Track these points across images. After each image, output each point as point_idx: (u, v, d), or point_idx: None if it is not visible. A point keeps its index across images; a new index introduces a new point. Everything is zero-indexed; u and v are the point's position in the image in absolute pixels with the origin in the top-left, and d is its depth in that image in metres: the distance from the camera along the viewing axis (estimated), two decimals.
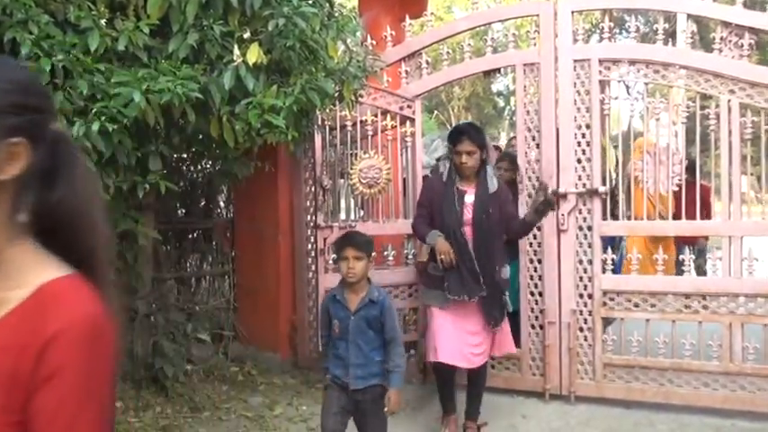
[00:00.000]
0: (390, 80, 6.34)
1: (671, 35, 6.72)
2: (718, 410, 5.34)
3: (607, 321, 5.93)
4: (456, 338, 5.04)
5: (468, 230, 5.02)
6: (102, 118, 3.47)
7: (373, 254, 4.23)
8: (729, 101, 5.34)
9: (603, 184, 5.65)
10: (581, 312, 5.68)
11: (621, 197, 6.04)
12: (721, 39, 5.42)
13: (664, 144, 5.84)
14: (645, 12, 14.17)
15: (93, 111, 3.50)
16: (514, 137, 7.34)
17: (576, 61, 5.68)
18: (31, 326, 1.16)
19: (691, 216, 5.57)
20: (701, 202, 5.64)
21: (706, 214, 5.53)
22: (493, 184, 5.04)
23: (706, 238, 7.01)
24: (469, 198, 5.05)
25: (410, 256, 6.22)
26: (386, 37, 6.35)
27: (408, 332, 6.16)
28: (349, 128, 6.18)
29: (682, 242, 5.76)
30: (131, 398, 5.43)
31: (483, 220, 4.98)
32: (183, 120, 4.04)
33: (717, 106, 5.41)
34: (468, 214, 5.02)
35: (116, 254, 5.11)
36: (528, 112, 5.87)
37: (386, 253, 6.18)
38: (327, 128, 6.24)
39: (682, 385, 5.47)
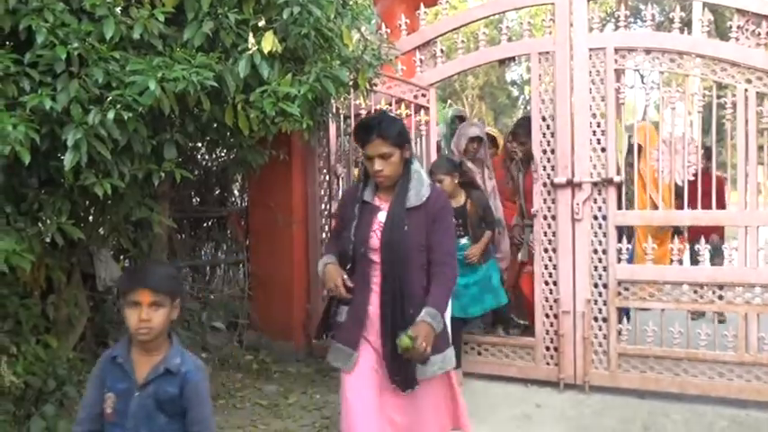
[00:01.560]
0: (405, 69, 6.33)
1: (687, 24, 6.68)
2: (733, 400, 5.32)
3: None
4: (375, 419, 3.57)
5: (376, 259, 3.59)
6: (118, 106, 3.48)
7: (178, 300, 2.86)
8: (746, 90, 5.30)
9: (618, 173, 5.63)
10: (596, 302, 5.66)
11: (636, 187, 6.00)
12: (738, 27, 5.38)
13: (679, 134, 5.80)
14: (660, 0, 14.07)
15: (109, 99, 3.50)
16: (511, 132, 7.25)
17: (591, 50, 5.65)
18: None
19: (706, 206, 5.55)
20: (716, 193, 5.58)
21: (720, 206, 5.47)
22: (419, 195, 3.58)
23: (720, 236, 6.91)
24: (383, 216, 3.62)
25: None
26: (400, 25, 6.32)
27: None
28: (363, 116, 6.17)
29: (695, 235, 5.68)
30: None
31: (392, 244, 3.53)
32: (198, 108, 4.04)
33: (733, 95, 5.37)
34: (376, 238, 3.59)
35: (131, 242, 5.15)
36: (543, 100, 5.84)
37: None
38: (342, 116, 6.26)
39: (697, 375, 5.45)
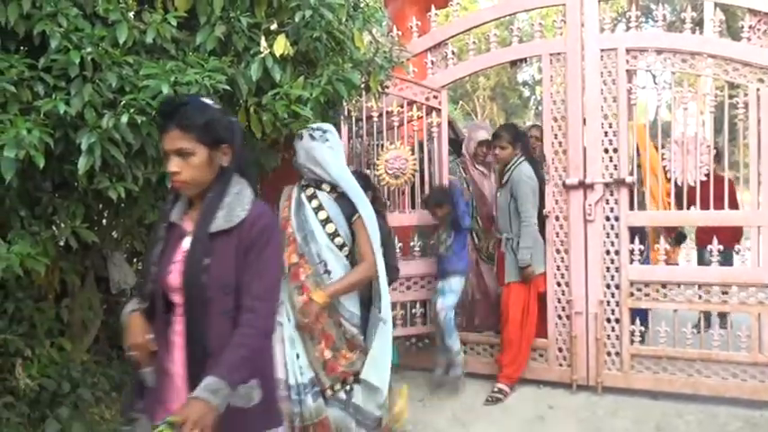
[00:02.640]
0: (416, 71, 6.33)
1: (698, 24, 6.65)
2: (746, 401, 5.31)
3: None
4: None
5: (178, 301, 2.58)
6: (131, 110, 3.49)
7: None
8: (758, 89, 5.29)
9: (630, 174, 5.62)
10: (608, 303, 5.66)
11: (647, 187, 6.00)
12: (749, 27, 5.37)
13: (691, 134, 5.79)
14: (672, 0, 14.02)
15: (122, 103, 3.51)
16: (533, 126, 7.25)
17: (602, 50, 5.65)
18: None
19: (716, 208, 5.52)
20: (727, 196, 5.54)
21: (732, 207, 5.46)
22: (230, 216, 2.59)
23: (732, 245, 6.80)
24: (188, 243, 2.57)
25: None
26: (411, 27, 6.33)
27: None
28: (375, 118, 6.18)
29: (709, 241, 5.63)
30: None
31: (191, 283, 2.50)
32: None
33: (745, 95, 5.36)
34: (176, 272, 2.56)
35: (145, 245, 5.16)
36: (554, 101, 5.84)
37: (412, 244, 6.19)
38: (354, 119, 6.25)
39: (710, 376, 5.44)
